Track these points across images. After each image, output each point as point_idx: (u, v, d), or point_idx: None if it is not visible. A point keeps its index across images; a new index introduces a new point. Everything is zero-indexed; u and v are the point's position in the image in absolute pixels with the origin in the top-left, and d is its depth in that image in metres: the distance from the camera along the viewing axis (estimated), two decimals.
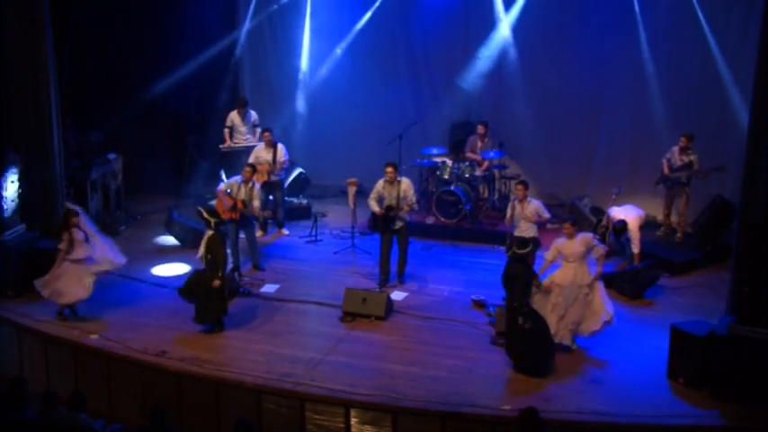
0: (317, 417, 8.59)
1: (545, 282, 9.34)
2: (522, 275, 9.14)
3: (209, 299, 9.83)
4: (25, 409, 7.86)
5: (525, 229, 10.46)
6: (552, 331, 9.09)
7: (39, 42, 11.18)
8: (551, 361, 9.02)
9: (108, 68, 14.48)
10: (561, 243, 9.38)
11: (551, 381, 8.85)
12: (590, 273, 9.27)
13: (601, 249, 9.38)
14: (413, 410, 8.37)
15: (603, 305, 9.27)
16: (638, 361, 9.22)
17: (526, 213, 10.50)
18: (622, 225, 11.25)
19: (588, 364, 9.20)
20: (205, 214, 10.09)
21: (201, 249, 9.96)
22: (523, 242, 9.34)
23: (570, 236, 9.33)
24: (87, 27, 14.17)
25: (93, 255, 10.24)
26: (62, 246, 10.08)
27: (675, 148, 12.01)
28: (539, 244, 10.53)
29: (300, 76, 15.13)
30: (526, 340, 8.86)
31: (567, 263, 9.30)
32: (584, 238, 9.41)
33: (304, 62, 15.08)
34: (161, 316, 10.41)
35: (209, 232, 9.94)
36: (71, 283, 10.14)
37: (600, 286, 9.34)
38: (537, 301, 9.26)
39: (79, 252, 10.14)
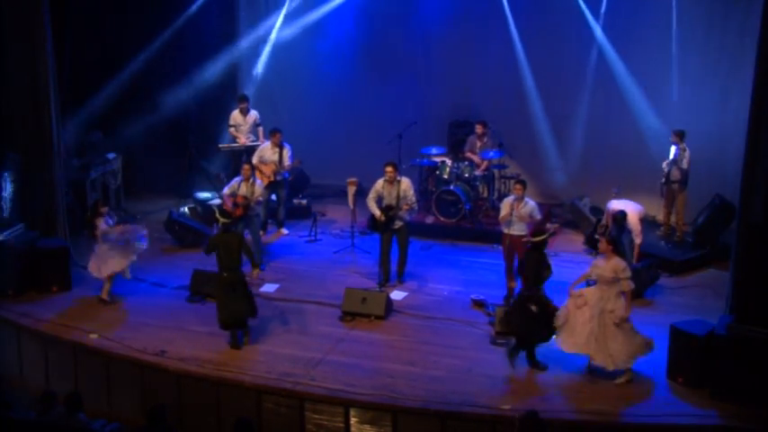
0: (316, 416, 8.59)
1: (578, 292, 9.01)
2: (533, 262, 9.13)
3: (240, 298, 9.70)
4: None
5: (519, 229, 10.46)
6: (584, 348, 8.82)
7: (39, 42, 11.18)
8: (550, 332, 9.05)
9: (108, 68, 14.47)
10: (596, 262, 9.08)
11: (551, 380, 8.86)
12: (620, 303, 8.80)
13: (627, 284, 8.82)
14: (412, 410, 8.38)
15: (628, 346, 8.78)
16: (637, 361, 9.20)
17: (521, 213, 10.47)
18: (622, 215, 11.13)
19: (587, 363, 9.20)
20: (217, 214, 10.13)
21: (206, 247, 9.95)
22: (539, 231, 9.30)
23: (606, 253, 8.97)
24: (87, 26, 14.16)
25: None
26: (97, 232, 10.53)
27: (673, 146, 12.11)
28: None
29: (299, 75, 15.16)
30: (531, 322, 8.96)
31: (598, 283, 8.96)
32: (616, 264, 8.88)
33: (303, 61, 15.09)
34: (161, 316, 10.41)
35: (216, 233, 9.99)
36: (111, 255, 10.58)
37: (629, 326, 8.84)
38: (570, 313, 8.98)
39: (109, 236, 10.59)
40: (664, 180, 12.13)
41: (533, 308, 8.96)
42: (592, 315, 8.83)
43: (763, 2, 9.00)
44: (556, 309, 9.08)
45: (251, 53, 15.32)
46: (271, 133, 12.91)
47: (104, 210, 10.73)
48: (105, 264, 10.59)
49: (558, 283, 10.76)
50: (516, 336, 9.16)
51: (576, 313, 8.94)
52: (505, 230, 10.61)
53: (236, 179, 11.69)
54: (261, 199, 11.69)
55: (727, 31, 12.41)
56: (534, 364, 9.09)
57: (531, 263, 9.17)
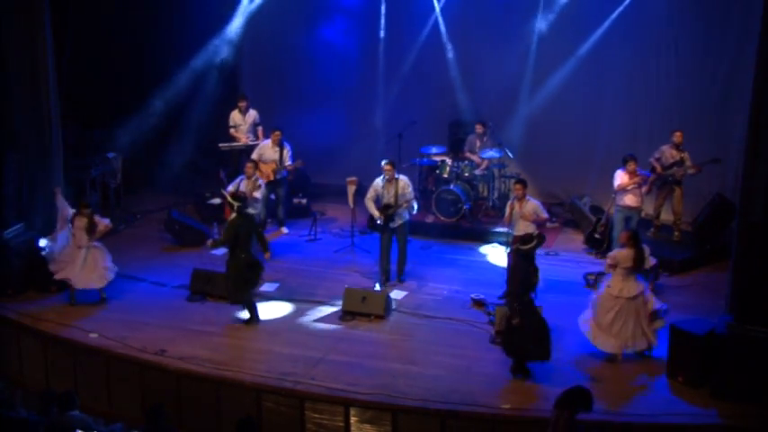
0: (316, 416, 8.59)
1: (608, 293, 9.16)
2: (519, 271, 9.07)
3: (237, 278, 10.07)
4: None
5: (524, 229, 10.40)
6: (613, 345, 9.11)
7: (39, 42, 11.17)
8: (544, 349, 8.88)
9: (108, 67, 14.47)
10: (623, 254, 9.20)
11: (551, 380, 8.85)
12: (637, 284, 9.15)
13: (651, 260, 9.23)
14: (412, 409, 8.38)
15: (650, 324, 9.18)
16: (637, 360, 9.21)
17: (524, 212, 10.46)
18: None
19: (588, 363, 9.20)
20: (229, 198, 10.40)
21: (225, 233, 10.13)
22: (527, 238, 9.28)
23: (627, 246, 9.19)
24: (87, 26, 14.17)
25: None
26: (60, 219, 10.59)
27: (665, 147, 12.01)
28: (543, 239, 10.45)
29: (299, 75, 15.16)
30: (516, 335, 8.85)
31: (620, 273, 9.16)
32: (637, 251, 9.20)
33: (303, 61, 15.09)
34: (161, 315, 10.41)
35: (233, 216, 10.15)
36: (83, 269, 10.48)
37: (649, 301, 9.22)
38: (601, 315, 9.16)
39: (81, 239, 10.48)
40: (658, 180, 12.04)
41: (515, 321, 8.78)
42: (621, 309, 9.04)
43: (764, 2, 8.99)
44: (544, 321, 8.92)
45: (251, 51, 15.35)
46: (272, 132, 12.92)
47: (86, 210, 10.61)
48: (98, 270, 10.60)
49: (558, 283, 10.81)
50: (512, 355, 9.02)
51: (609, 314, 9.07)
52: (514, 232, 10.60)
53: (239, 178, 11.74)
54: (258, 197, 11.69)
55: (728, 31, 12.41)
56: (520, 370, 8.96)
57: (517, 272, 9.00)
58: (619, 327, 9.07)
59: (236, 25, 14.68)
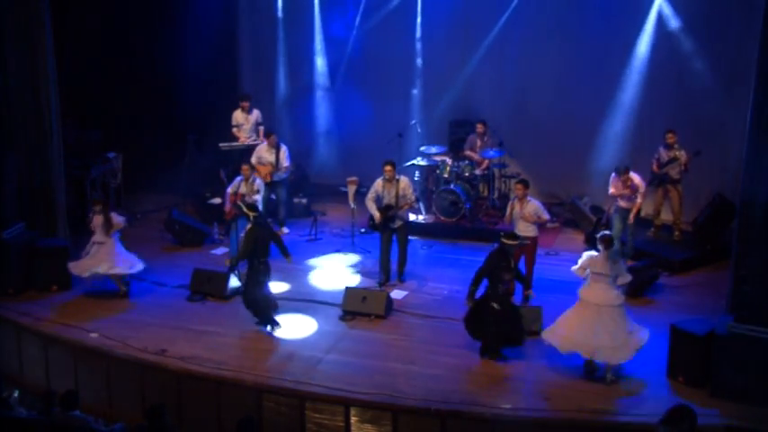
0: (316, 415, 8.59)
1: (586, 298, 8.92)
2: (498, 266, 9.19)
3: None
4: None
5: (525, 229, 10.40)
6: (588, 350, 8.73)
7: (39, 43, 11.18)
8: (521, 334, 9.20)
9: (108, 67, 14.48)
10: (594, 258, 8.95)
11: (551, 380, 8.86)
12: (617, 294, 8.84)
13: (628, 277, 8.95)
14: (413, 409, 8.38)
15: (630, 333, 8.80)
16: (637, 360, 9.19)
17: (525, 213, 10.44)
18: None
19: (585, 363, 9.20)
20: (244, 209, 10.30)
21: (244, 246, 10.08)
22: (512, 235, 9.35)
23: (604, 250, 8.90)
24: (87, 26, 14.17)
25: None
26: (92, 225, 10.79)
27: (660, 148, 12.05)
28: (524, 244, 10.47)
29: (299, 75, 15.16)
30: (497, 321, 9.07)
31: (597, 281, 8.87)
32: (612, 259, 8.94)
33: (303, 60, 15.10)
34: (161, 315, 10.41)
35: (249, 225, 10.06)
36: (101, 257, 10.68)
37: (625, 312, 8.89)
38: (569, 317, 8.95)
39: (99, 236, 10.70)
40: (656, 179, 12.06)
41: (495, 305, 9.03)
42: (593, 312, 8.77)
43: (765, 2, 9.00)
44: (517, 310, 9.18)
45: (252, 52, 15.35)
46: (266, 135, 12.92)
47: (97, 207, 10.77)
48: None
49: (558, 283, 10.81)
50: (482, 338, 9.23)
51: (578, 312, 8.90)
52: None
53: (238, 179, 11.75)
54: (258, 198, 11.68)
55: (728, 32, 12.40)
56: (496, 355, 9.18)
57: (489, 263, 9.25)
58: (580, 327, 8.78)
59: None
